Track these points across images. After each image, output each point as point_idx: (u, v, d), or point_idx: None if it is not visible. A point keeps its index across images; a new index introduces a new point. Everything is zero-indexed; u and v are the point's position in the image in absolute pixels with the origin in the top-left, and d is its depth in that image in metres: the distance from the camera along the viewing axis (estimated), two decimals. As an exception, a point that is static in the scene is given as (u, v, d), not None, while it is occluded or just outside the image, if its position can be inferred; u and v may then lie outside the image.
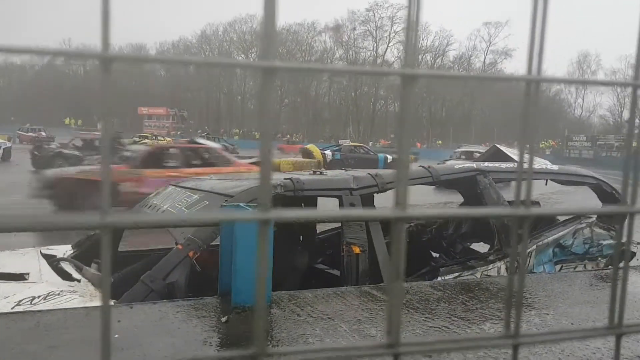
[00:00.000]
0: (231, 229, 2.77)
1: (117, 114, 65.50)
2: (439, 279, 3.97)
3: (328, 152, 24.59)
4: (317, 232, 5.46)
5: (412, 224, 5.30)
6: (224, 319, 2.61)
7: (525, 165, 0.44)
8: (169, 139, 43.76)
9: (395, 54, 72.62)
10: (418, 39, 0.39)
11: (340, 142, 35.22)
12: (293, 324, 2.61)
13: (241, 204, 3.18)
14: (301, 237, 5.20)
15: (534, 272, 4.29)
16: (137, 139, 39.81)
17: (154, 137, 40.77)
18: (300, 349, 0.42)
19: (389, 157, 24.91)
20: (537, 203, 5.54)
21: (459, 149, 26.39)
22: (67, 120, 64.75)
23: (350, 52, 73.06)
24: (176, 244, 3.51)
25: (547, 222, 4.85)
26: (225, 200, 3.48)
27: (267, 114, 0.37)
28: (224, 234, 3.01)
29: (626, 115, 66.48)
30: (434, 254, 5.18)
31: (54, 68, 74.99)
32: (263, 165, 0.38)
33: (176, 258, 3.27)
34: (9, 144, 26.02)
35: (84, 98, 67.62)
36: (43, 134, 42.22)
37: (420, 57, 73.54)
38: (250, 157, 14.77)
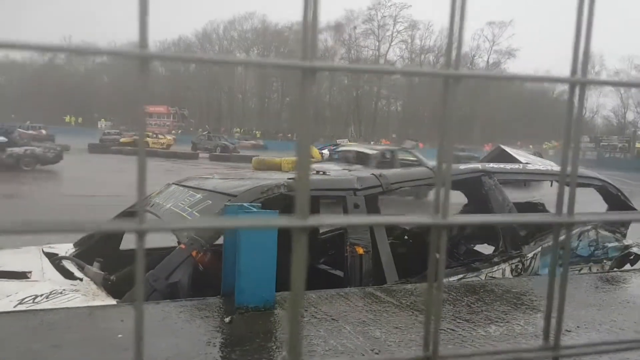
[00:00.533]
0: (235, 229, 2.76)
1: (118, 112, 65.48)
2: (443, 280, 3.95)
3: (326, 152, 24.55)
4: (320, 232, 5.44)
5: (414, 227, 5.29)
6: (227, 320, 2.59)
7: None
8: (169, 137, 43.75)
9: (397, 53, 72.57)
10: (462, 37, 0.37)
11: (339, 141, 35.11)
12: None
13: (244, 204, 3.16)
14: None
15: (538, 274, 4.27)
16: (137, 137, 39.79)
17: (154, 135, 40.76)
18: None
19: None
20: (541, 205, 5.52)
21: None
22: (67, 118, 64.72)
23: (352, 52, 72.97)
24: (179, 243, 3.49)
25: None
26: (229, 200, 3.47)
27: (307, 115, 0.36)
28: (227, 234, 2.99)
29: (630, 116, 66.35)
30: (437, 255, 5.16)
31: (55, 66, 74.97)
32: (300, 168, 0.36)
33: (179, 257, 3.25)
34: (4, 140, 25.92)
35: (84, 96, 67.61)
36: (43, 132, 42.16)
37: (422, 57, 73.54)
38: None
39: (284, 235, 3.81)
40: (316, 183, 3.86)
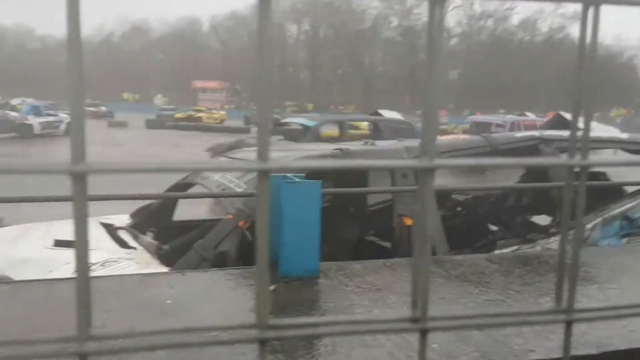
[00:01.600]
0: (278, 199, 2.76)
1: (172, 87, 66.92)
2: (496, 252, 3.86)
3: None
4: (369, 204, 5.40)
5: (469, 196, 5.16)
6: (271, 288, 2.62)
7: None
8: (222, 112, 44.42)
9: (455, 20, 70.24)
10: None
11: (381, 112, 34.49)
12: (340, 294, 2.59)
13: (288, 174, 3.16)
14: (352, 208, 5.17)
15: (598, 246, 4.10)
16: (193, 112, 40.65)
17: (208, 110, 41.49)
18: (310, 321, 0.38)
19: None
20: (603, 174, 5.26)
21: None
22: (125, 95, 66.73)
23: (406, 20, 71.24)
24: (227, 214, 3.55)
25: (614, 193, 4.60)
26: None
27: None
28: (271, 205, 3.01)
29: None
30: (492, 227, 5.03)
31: (111, 44, 77.03)
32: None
33: (227, 228, 3.31)
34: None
35: (141, 73, 69.35)
36: (103, 108, 43.67)
37: (481, 22, 70.96)
38: None
39: (331, 207, 3.81)
40: (363, 153, 3.81)
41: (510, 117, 20.55)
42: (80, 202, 0.35)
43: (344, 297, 2.55)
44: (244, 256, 3.36)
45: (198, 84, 66.95)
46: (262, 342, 0.36)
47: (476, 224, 4.90)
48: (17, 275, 2.92)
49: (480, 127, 15.01)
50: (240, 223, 3.30)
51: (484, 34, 73.22)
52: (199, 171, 3.46)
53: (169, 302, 2.48)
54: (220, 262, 3.19)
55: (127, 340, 0.35)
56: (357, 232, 4.97)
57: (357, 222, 5.04)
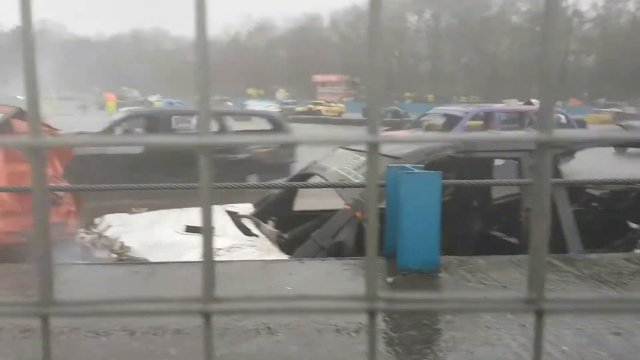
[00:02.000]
0: (397, 190, 2.71)
1: (294, 82, 68.90)
2: (637, 251, 3.49)
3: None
4: (493, 197, 5.14)
5: (606, 190, 4.73)
6: (390, 280, 2.58)
7: None
8: (341, 104, 44.93)
9: (589, 2, 64.74)
10: None
11: (505, 101, 32.61)
12: (462, 289, 2.48)
13: (407, 165, 3.09)
14: (475, 202, 4.95)
15: None
16: (312, 106, 41.61)
17: (327, 103, 42.19)
18: (421, 296, 0.34)
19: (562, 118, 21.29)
20: None
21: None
22: (249, 91, 69.89)
23: (535, 6, 66.97)
24: (345, 204, 3.56)
25: None
26: (392, 162, 3.43)
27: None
28: (389, 196, 2.96)
29: None
30: (632, 225, 4.56)
31: (238, 43, 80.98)
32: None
33: (344, 218, 3.32)
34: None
35: (265, 69, 72.18)
36: (229, 103, 46.09)
37: (619, 5, 64.93)
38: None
39: (455, 200, 3.66)
40: (486, 143, 3.63)
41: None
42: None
43: (466, 293, 2.44)
44: (361, 247, 3.35)
45: (318, 78, 68.35)
46: (372, 314, 0.34)
47: (614, 221, 4.47)
48: (152, 258, 3.15)
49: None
50: (358, 214, 3.29)
51: (623, 17, 66.77)
52: (291, 143, 3.48)
53: (289, 288, 2.54)
54: (337, 251, 3.21)
55: (248, 303, 0.38)
56: (481, 227, 4.75)
57: (480, 216, 4.83)
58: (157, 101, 28.84)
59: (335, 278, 2.70)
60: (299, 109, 40.37)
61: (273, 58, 76.93)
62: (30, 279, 2.54)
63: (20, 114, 4.66)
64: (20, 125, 4.61)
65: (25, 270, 2.72)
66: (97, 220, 4.24)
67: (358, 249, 3.29)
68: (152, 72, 67.01)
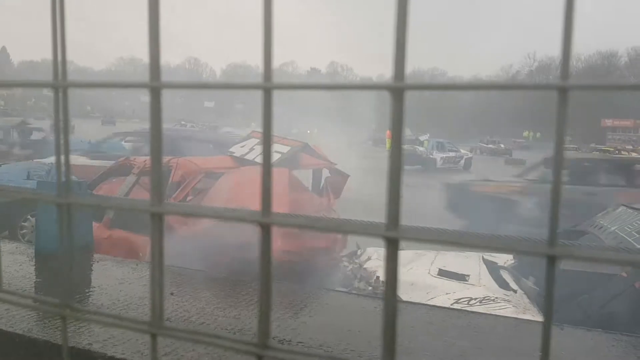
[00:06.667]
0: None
1: (577, 125, 63.36)
2: None
3: None
4: None
5: None
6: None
7: None
8: (635, 153, 39.44)
9: None
10: None
11: None
12: None
13: None
14: None
15: None
16: (598, 153, 37.50)
17: (616, 151, 37.54)
18: None
19: None
20: None
21: None
22: (526, 133, 66.57)
23: None
24: (622, 271, 3.12)
25: None
26: None
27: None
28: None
29: None
30: None
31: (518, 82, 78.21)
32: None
33: (619, 286, 2.90)
34: (470, 155, 28.65)
35: (543, 110, 68.10)
36: (502, 145, 44.71)
37: None
38: None
39: None
40: None
41: None
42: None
43: None
44: (638, 322, 2.88)
45: (608, 122, 61.51)
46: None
47: None
48: (403, 296, 3.24)
49: None
50: (637, 284, 2.84)
51: None
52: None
53: (540, 354, 2.32)
54: (606, 323, 2.82)
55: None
56: None
57: None
58: (426, 140, 29.59)
59: (600, 353, 2.37)
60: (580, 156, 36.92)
61: (555, 98, 72.07)
62: (293, 298, 2.85)
63: (306, 149, 5.31)
64: (304, 157, 5.24)
65: (291, 290, 3.06)
66: (359, 251, 4.56)
67: (634, 324, 2.84)
68: (424, 111, 69.40)
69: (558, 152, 0.36)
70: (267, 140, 0.41)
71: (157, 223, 0.43)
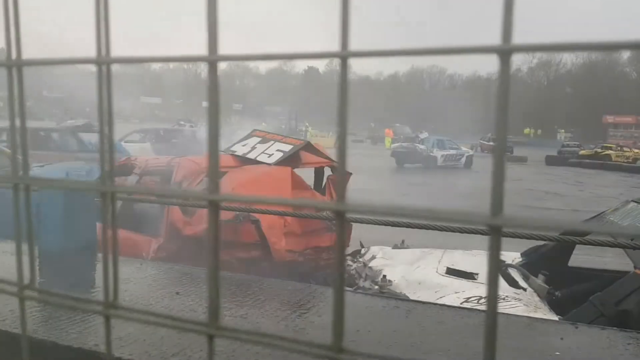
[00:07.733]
0: None
1: (578, 122, 63.29)
2: None
3: None
4: None
5: None
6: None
7: None
8: (636, 150, 39.32)
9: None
10: None
11: None
12: None
13: None
14: None
15: None
16: (599, 150, 37.38)
17: (618, 148, 37.46)
18: None
19: None
20: None
21: None
22: (527, 130, 66.49)
23: None
24: (635, 267, 3.07)
25: None
26: None
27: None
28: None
29: None
30: None
31: (517, 79, 78.05)
32: None
33: (633, 284, 2.85)
34: (471, 152, 28.53)
35: (545, 108, 67.98)
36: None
37: None
38: None
39: None
40: None
41: None
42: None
43: None
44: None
45: (609, 118, 61.37)
46: None
47: None
48: (412, 295, 3.19)
49: None
50: (652, 281, 2.80)
51: None
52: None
53: (558, 353, 2.28)
54: (621, 321, 2.77)
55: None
56: None
57: None
58: (425, 137, 29.44)
59: (615, 351, 2.32)
60: (582, 152, 36.75)
61: (555, 95, 72.02)
62: (300, 297, 2.80)
63: (308, 147, 5.26)
64: (306, 156, 5.18)
65: (297, 288, 3.00)
66: (363, 250, 4.50)
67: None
68: (425, 109, 69.32)
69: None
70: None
71: (213, 212, 0.43)
